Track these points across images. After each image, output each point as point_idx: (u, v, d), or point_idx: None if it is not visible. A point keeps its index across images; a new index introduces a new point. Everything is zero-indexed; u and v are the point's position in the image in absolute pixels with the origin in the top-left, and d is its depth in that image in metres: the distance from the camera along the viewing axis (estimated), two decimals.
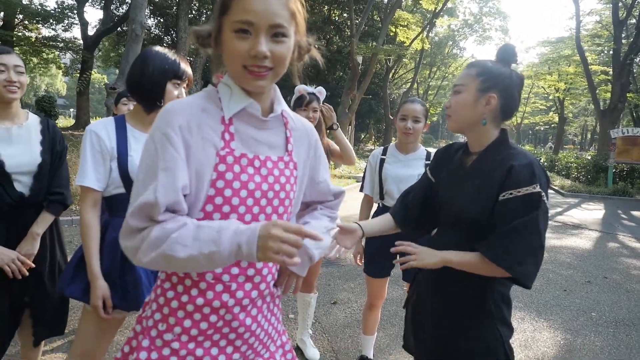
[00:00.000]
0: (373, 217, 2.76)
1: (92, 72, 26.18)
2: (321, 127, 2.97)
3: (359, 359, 3.01)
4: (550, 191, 14.84)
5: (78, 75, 23.29)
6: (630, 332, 3.85)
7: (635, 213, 10.94)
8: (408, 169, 2.68)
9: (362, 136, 31.87)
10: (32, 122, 2.16)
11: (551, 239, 7.48)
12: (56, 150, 2.20)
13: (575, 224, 9.08)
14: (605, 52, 26.68)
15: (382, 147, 2.87)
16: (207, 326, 1.05)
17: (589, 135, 54.29)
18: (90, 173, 1.70)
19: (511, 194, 1.39)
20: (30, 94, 42.88)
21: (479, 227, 1.47)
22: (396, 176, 2.69)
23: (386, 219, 1.84)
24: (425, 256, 1.50)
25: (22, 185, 2.05)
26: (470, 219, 1.49)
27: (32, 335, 2.18)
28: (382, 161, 2.78)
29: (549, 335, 3.71)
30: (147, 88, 1.76)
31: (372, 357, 3.04)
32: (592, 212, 10.77)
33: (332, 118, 2.99)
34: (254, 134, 1.06)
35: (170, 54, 1.83)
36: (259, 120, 1.07)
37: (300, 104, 2.88)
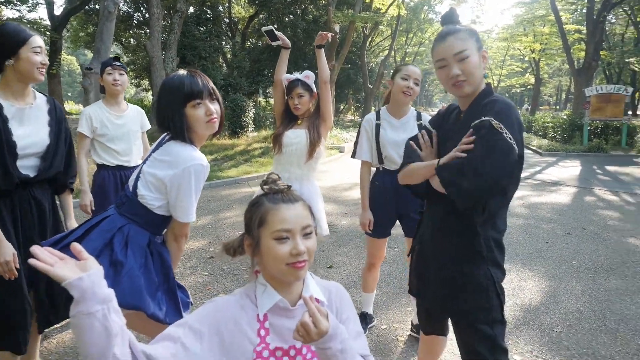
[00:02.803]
0: (373, 181, 2.91)
1: (62, 53, 25.44)
2: (317, 109, 2.98)
3: (359, 315, 3.16)
4: (528, 151, 15.29)
5: (47, 58, 22.58)
6: (608, 276, 4.11)
7: (609, 168, 11.32)
8: (404, 133, 2.72)
9: (342, 107, 31.82)
10: (40, 101, 2.19)
11: (531, 196, 7.75)
12: (62, 132, 2.25)
13: (554, 181, 9.38)
14: (579, 11, 26.89)
15: (375, 112, 2.91)
16: None
17: (563, 96, 55.06)
18: None
19: (471, 126, 1.55)
20: None
21: None
22: (394, 142, 2.75)
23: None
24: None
25: (29, 165, 2.10)
26: None
27: (35, 321, 2.22)
28: (377, 126, 2.82)
29: (534, 283, 3.94)
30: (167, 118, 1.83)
31: (371, 313, 3.20)
32: (569, 169, 11.11)
33: (320, 38, 2.96)
34: (288, 324, 1.17)
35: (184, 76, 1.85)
36: (289, 310, 1.19)
37: (287, 92, 2.93)
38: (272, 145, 3.07)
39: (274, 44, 2.99)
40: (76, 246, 1.01)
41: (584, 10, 20.75)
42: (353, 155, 2.97)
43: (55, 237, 1.91)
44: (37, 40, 2.04)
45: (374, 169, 2.96)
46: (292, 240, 1.14)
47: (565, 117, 18.92)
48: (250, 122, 16.43)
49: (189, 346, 1.09)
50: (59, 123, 2.22)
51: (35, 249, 0.97)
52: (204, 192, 7.84)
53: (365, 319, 3.15)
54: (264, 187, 1.23)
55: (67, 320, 2.96)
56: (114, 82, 3.10)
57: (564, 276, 4.11)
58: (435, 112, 1.96)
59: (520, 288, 3.83)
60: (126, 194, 1.90)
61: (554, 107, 56.72)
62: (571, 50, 20.82)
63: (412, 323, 3.12)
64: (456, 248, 1.68)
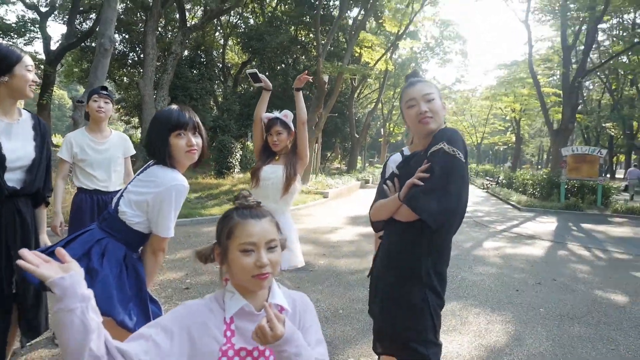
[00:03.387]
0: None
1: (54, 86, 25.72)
2: (294, 148, 3.17)
3: None
4: (507, 206, 15.66)
5: (39, 89, 22.84)
6: (573, 324, 4.22)
7: (584, 225, 11.63)
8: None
9: (329, 154, 32.34)
10: (26, 117, 2.33)
11: (506, 248, 7.93)
12: (45, 147, 2.38)
13: (530, 234, 9.61)
14: (557, 75, 28.27)
15: (398, 152, 2.76)
16: None
17: (544, 156, 56.76)
18: None
19: (428, 153, 1.78)
20: None
21: None
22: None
23: None
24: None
25: (15, 178, 2.21)
26: None
27: (21, 334, 2.30)
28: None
29: (501, 327, 4.03)
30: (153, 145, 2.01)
31: None
32: (546, 225, 11.38)
33: (298, 81, 3.12)
34: (252, 327, 1.22)
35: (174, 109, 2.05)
36: (254, 315, 1.29)
37: (266, 130, 3.13)
38: (250, 178, 3.21)
39: (256, 85, 3.20)
40: (60, 250, 1.13)
41: (560, 75, 21.82)
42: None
43: (40, 248, 2.00)
44: (29, 60, 2.21)
45: None
46: (256, 253, 1.25)
47: (544, 175, 19.51)
48: (237, 163, 16.62)
49: (160, 343, 1.18)
50: (43, 138, 2.36)
51: (23, 251, 1.08)
52: (184, 228, 7.90)
53: None
54: (236, 202, 1.36)
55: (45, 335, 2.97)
56: (98, 109, 3.21)
57: (530, 321, 4.21)
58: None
59: (487, 330, 3.92)
60: (108, 211, 2.03)
61: (535, 166, 58.28)
62: (549, 112, 21.73)
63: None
64: (399, 271, 1.85)
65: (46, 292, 2.40)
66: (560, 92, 22.37)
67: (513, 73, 29.09)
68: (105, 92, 3.28)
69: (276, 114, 3.16)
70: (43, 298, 2.42)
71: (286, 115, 3.16)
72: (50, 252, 1.88)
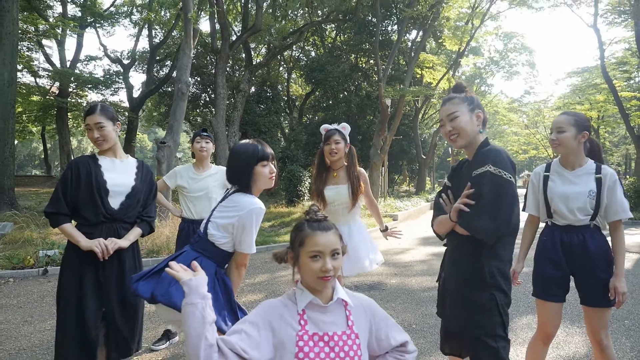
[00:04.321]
0: (540, 237, 2.74)
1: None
2: (352, 159, 3.43)
3: None
4: None
5: (124, 135, 24.96)
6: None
7: None
8: (574, 186, 2.54)
9: (396, 177, 32.26)
10: (131, 160, 2.80)
11: None
12: (147, 184, 2.79)
13: None
14: (636, 78, 26.59)
15: (545, 164, 2.74)
16: None
17: (633, 165, 52.78)
18: None
19: (473, 174, 1.94)
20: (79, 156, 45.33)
21: None
22: (562, 194, 2.56)
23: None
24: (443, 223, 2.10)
25: (116, 201, 2.63)
26: None
27: (104, 348, 2.58)
28: (545, 178, 2.68)
29: (580, 339, 3.95)
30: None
31: None
32: (634, 237, 10.69)
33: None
34: (321, 317, 1.53)
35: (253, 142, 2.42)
36: (322, 307, 1.54)
37: (324, 140, 3.39)
38: (313, 198, 3.45)
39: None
40: (194, 263, 1.54)
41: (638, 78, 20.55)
42: (523, 209, 2.74)
43: (146, 269, 2.36)
44: (87, 119, 2.63)
45: (542, 225, 2.80)
46: (322, 259, 1.51)
47: (630, 184, 18.25)
48: (306, 191, 17.11)
49: (251, 334, 1.47)
50: (145, 174, 2.79)
51: (172, 263, 1.53)
52: (261, 254, 8.34)
53: None
54: (307, 216, 1.63)
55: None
56: (201, 149, 3.87)
57: (613, 333, 4.08)
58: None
59: (565, 342, 3.86)
60: (198, 235, 2.39)
61: (623, 176, 54.28)
62: (630, 117, 20.43)
63: None
64: (465, 275, 2.01)
65: (142, 317, 2.73)
66: None
67: (586, 80, 27.72)
68: (205, 134, 3.92)
69: (335, 126, 3.42)
70: (139, 320, 2.71)
71: (344, 127, 3.40)
72: (155, 271, 2.25)
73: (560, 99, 32.48)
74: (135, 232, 2.70)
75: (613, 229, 2.53)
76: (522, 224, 2.39)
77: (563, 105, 29.23)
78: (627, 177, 49.26)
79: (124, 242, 2.60)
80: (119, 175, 2.67)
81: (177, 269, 1.49)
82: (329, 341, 1.50)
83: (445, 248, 2.26)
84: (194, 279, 1.45)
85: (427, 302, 5.18)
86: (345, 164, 3.42)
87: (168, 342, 3.86)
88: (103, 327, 2.56)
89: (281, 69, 27.99)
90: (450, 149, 40.01)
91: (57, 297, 2.59)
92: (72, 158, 24.87)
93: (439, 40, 23.67)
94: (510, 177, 1.89)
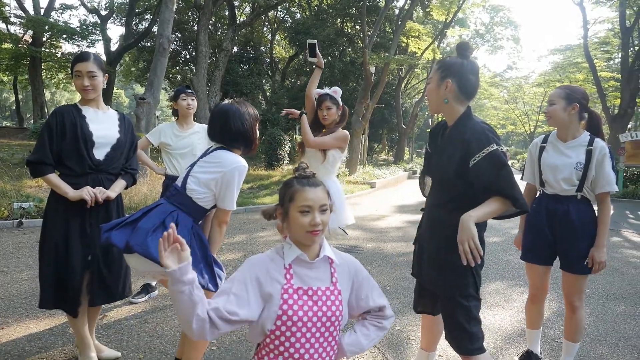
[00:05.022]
0: (531, 205, 2.85)
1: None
2: (342, 118, 3.46)
3: (524, 353, 3.01)
4: None
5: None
6: (618, 303, 4.30)
7: None
8: (564, 157, 2.64)
9: (376, 146, 32.40)
10: (112, 112, 2.78)
11: None
12: (129, 136, 2.78)
13: None
14: (617, 59, 26.96)
15: (544, 135, 2.83)
16: None
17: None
18: None
19: (478, 156, 1.93)
20: (52, 109, 44.00)
21: (453, 185, 2.04)
22: (552, 164, 2.67)
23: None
24: (468, 234, 1.89)
25: (101, 152, 2.62)
26: (447, 179, 2.07)
27: (87, 294, 2.62)
28: (541, 149, 2.78)
29: (547, 305, 4.16)
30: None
31: (539, 353, 2.98)
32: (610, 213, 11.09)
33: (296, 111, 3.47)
34: (307, 272, 1.57)
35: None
36: (308, 263, 1.58)
37: (317, 105, 3.42)
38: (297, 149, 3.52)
39: (310, 59, 3.43)
40: (179, 238, 1.49)
41: (619, 59, 20.85)
42: (521, 178, 2.93)
43: (117, 220, 2.35)
44: (78, 66, 2.56)
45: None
46: (311, 214, 1.55)
47: None
48: (286, 155, 17.11)
49: (239, 294, 1.52)
50: (127, 126, 2.78)
51: (163, 238, 1.46)
52: (239, 215, 8.40)
53: (530, 358, 2.95)
54: (296, 172, 1.67)
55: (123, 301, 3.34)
56: (188, 106, 3.83)
57: None
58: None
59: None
60: (176, 188, 2.39)
61: None
62: (607, 98, 20.83)
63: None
64: (440, 236, 2.09)
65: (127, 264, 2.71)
66: (619, 76, 21.39)
67: (568, 58, 27.97)
68: (190, 91, 3.86)
69: (326, 89, 3.46)
70: (123, 267, 2.73)
71: (335, 91, 3.43)
72: (128, 221, 2.25)
73: (541, 76, 32.79)
74: (120, 184, 2.71)
75: (599, 201, 2.63)
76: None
77: (544, 82, 29.59)
78: None
79: (112, 193, 2.62)
80: (103, 126, 2.66)
81: (164, 254, 1.45)
82: (312, 295, 1.56)
83: (423, 212, 2.34)
84: (177, 270, 1.42)
85: (401, 266, 5.35)
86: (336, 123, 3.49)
87: (147, 296, 3.92)
88: (88, 273, 2.60)
89: (265, 29, 27.40)
90: (430, 120, 40.25)
91: (40, 247, 2.60)
92: (46, 110, 24.20)
93: (427, 9, 23.43)
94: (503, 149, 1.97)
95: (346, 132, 3.45)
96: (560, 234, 2.67)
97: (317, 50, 3.39)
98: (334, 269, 1.63)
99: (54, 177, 2.52)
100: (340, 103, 3.46)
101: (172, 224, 1.50)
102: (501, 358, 3.11)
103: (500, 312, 3.90)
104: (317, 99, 3.43)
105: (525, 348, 3.00)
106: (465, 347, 2.05)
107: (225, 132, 2.39)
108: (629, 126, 20.18)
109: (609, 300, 4.37)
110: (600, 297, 4.47)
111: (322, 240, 1.63)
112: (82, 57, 2.58)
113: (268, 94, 26.17)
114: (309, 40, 3.43)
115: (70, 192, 2.49)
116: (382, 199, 12.71)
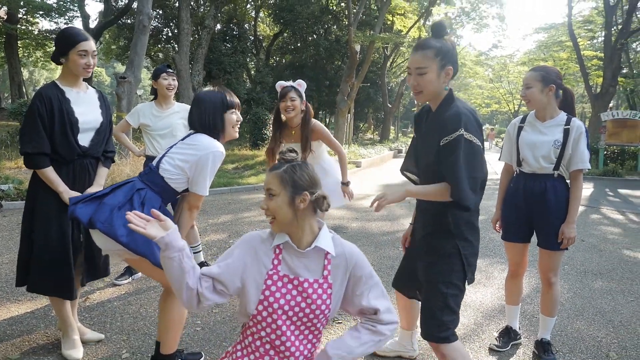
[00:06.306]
0: (510, 184, 2.90)
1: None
2: (306, 116, 3.38)
3: (504, 330, 3.04)
4: None
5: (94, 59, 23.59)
6: (595, 279, 4.41)
7: (622, 191, 11.47)
8: (543, 135, 2.68)
9: (361, 125, 32.35)
10: (91, 91, 2.71)
11: None
12: (109, 117, 2.73)
13: None
14: (601, 38, 27.11)
15: (522, 116, 2.87)
16: None
17: (587, 123, 54.70)
18: None
19: (446, 139, 1.90)
20: (30, 88, 42.93)
21: (435, 171, 2.00)
22: (530, 142, 2.70)
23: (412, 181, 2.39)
24: (391, 194, 2.02)
25: (87, 137, 2.58)
26: (430, 164, 2.03)
27: (80, 274, 2.65)
28: (519, 129, 2.81)
29: (524, 281, 4.24)
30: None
31: (517, 328, 3.04)
32: (584, 191, 11.29)
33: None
34: (296, 261, 1.53)
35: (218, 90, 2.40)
36: (298, 251, 1.54)
37: (280, 98, 3.33)
38: (266, 158, 3.46)
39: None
40: (155, 211, 1.49)
41: (603, 38, 20.98)
42: (499, 158, 3.04)
43: (88, 193, 2.37)
44: (84, 45, 2.47)
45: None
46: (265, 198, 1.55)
47: None
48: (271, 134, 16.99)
49: (229, 264, 1.53)
50: (107, 107, 2.75)
51: (129, 216, 1.46)
52: (224, 196, 8.37)
53: (509, 334, 2.99)
54: (278, 155, 1.64)
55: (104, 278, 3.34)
56: (168, 86, 3.74)
57: None
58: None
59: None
60: (150, 167, 2.35)
61: None
62: (590, 77, 21.01)
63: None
64: (430, 223, 2.09)
65: None
66: (602, 54, 21.55)
67: (552, 36, 28.04)
68: (171, 70, 3.79)
69: (287, 83, 3.36)
70: None
71: (300, 84, 3.35)
72: (97, 196, 2.20)
73: (525, 55, 32.87)
74: (103, 174, 2.73)
75: (572, 178, 2.69)
76: (497, 176, 2.42)
77: (528, 60, 29.68)
78: None
79: (99, 187, 2.62)
80: (86, 109, 2.60)
81: (142, 225, 1.45)
82: (297, 285, 1.52)
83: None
84: (166, 235, 1.43)
85: (386, 245, 5.40)
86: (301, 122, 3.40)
87: (130, 278, 3.91)
88: (81, 254, 2.62)
89: (249, 6, 26.84)
90: (415, 100, 40.12)
91: (27, 230, 2.55)
92: (24, 90, 23.60)
93: None
94: (479, 144, 1.89)
95: (320, 123, 3.51)
96: (537, 212, 2.71)
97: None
98: (328, 261, 1.56)
99: (51, 172, 2.47)
100: (304, 97, 3.37)
101: (154, 210, 1.49)
102: (481, 334, 3.18)
103: (482, 289, 3.98)
104: (280, 92, 3.34)
105: (505, 324, 3.06)
106: (431, 334, 2.02)
107: (197, 122, 2.36)
108: (611, 105, 20.47)
109: (586, 276, 4.48)
110: (579, 273, 4.58)
111: (319, 230, 1.59)
112: (84, 35, 2.51)
113: (252, 72, 25.81)
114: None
115: (64, 192, 2.47)
116: (367, 178, 12.75)
